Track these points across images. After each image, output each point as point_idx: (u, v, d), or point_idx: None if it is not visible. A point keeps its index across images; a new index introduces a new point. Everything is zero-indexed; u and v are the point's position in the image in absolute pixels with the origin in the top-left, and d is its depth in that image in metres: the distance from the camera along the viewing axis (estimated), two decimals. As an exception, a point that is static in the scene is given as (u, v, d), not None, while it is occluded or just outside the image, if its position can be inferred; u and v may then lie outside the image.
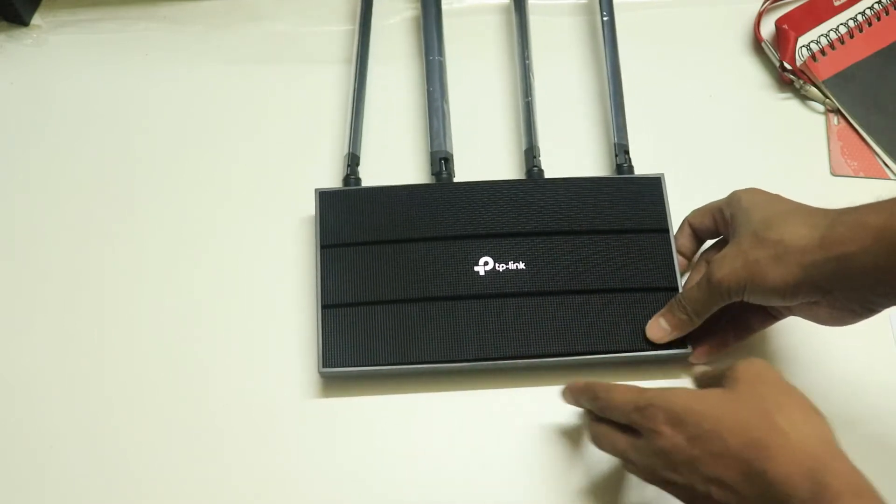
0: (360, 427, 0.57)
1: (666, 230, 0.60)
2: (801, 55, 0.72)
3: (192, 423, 0.57)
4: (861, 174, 0.67)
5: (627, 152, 0.65)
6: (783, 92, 0.71)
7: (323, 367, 0.56)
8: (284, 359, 0.59)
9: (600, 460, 0.55)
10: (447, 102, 0.67)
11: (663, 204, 0.61)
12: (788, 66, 0.70)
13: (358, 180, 0.64)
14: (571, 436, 0.57)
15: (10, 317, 0.61)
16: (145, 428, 0.57)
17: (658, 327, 0.57)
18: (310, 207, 0.61)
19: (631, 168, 0.64)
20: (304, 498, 0.55)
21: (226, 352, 0.59)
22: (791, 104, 0.71)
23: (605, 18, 0.71)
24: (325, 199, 0.61)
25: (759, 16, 0.73)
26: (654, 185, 0.62)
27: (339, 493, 0.55)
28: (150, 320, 0.61)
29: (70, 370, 0.59)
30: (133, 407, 0.58)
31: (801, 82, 0.70)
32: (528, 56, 0.69)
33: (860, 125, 0.69)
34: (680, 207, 0.62)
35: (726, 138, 0.69)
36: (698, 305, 0.55)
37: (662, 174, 0.62)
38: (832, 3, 0.74)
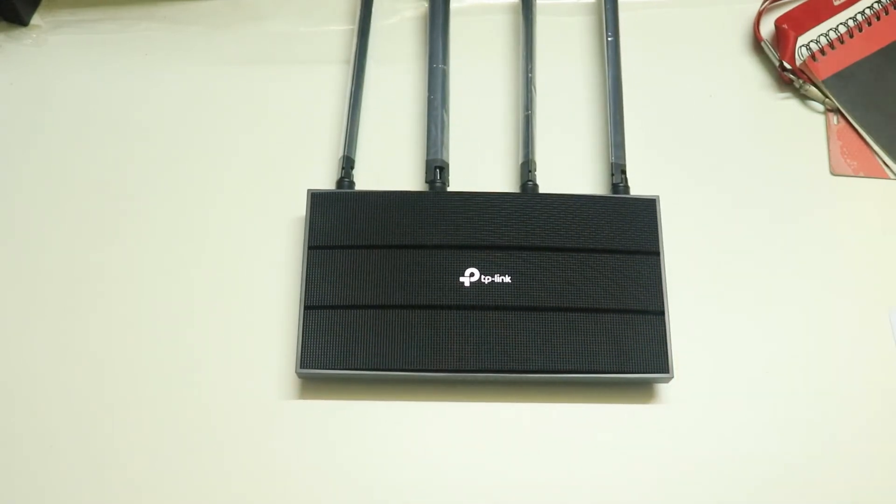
0: (335, 430, 0.59)
1: (657, 253, 0.62)
2: (801, 55, 0.74)
3: (166, 420, 0.59)
4: (861, 173, 0.69)
5: (624, 172, 0.67)
6: (783, 91, 0.73)
7: (301, 367, 0.58)
8: (264, 357, 0.61)
9: (573, 476, 0.58)
10: (447, 112, 0.70)
11: (656, 227, 0.63)
12: (788, 66, 0.72)
13: (352, 183, 0.66)
14: (545, 452, 0.58)
15: (7, 314, 0.63)
16: (120, 425, 0.59)
17: None
18: (302, 208, 0.63)
19: (626, 188, 0.66)
20: (275, 498, 0.56)
21: (206, 348, 0.61)
22: (791, 104, 0.73)
23: (609, 39, 0.73)
24: (317, 200, 0.63)
25: (759, 15, 0.76)
26: (648, 207, 0.63)
27: (311, 495, 0.57)
28: (138, 316, 0.63)
29: (58, 368, 0.61)
30: (106, 404, 0.59)
31: (801, 82, 0.72)
32: (531, 69, 0.71)
33: (860, 125, 0.71)
34: (676, 211, 0.63)
35: (726, 137, 0.71)
36: None
37: (657, 196, 0.64)
38: (832, 2, 0.76)
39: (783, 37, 0.73)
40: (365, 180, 0.67)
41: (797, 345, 0.63)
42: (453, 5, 0.75)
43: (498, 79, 0.73)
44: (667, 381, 0.59)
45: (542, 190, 0.66)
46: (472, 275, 0.60)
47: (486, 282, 0.60)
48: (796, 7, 0.76)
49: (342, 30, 0.75)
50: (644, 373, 0.59)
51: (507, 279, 0.60)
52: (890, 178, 0.69)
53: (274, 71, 0.73)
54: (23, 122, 0.71)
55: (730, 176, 0.69)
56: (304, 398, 0.59)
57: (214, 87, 0.72)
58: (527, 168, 0.66)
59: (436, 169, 0.66)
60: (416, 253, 0.61)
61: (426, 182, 0.66)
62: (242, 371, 0.61)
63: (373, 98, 0.72)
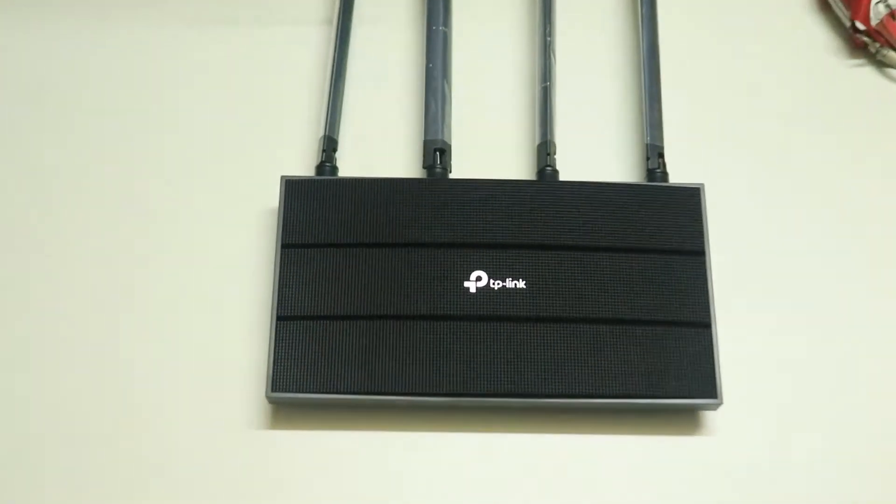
0: (314, 467, 0.57)
1: (702, 252, 0.60)
2: (878, 13, 0.71)
3: (115, 454, 0.57)
4: (955, 159, 0.67)
5: (662, 155, 0.65)
6: (855, 58, 0.72)
7: (272, 391, 0.56)
8: (228, 378, 0.59)
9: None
10: (449, 82, 0.68)
11: (701, 220, 0.61)
12: (861, 27, 0.70)
13: (334, 169, 0.64)
14: (567, 492, 0.56)
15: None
16: (60, 462, 0.57)
17: None
18: (273, 198, 0.61)
19: (665, 175, 0.64)
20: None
21: (160, 367, 0.60)
22: (865, 72, 0.71)
23: (644, -7, 0.71)
24: (293, 189, 0.61)
25: None
26: (690, 197, 0.61)
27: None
28: (75, 330, 0.61)
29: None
30: (53, 434, 0.58)
31: (878, 45, 0.71)
32: (550, 32, 0.70)
33: (954, 97, 0.69)
34: (725, 202, 0.62)
35: (785, 114, 0.69)
36: None
37: (702, 185, 0.62)
38: (915, -53, 0.74)
39: (856, -10, 0.71)
40: (350, 165, 0.66)
41: (873, 365, 0.61)
42: (459, -40, 0.73)
43: (510, 43, 0.72)
44: (714, 407, 0.57)
45: (563, 177, 0.64)
46: (479, 279, 0.59)
47: (497, 287, 0.59)
48: (871, -46, 0.74)
49: (324, -17, 0.74)
50: (687, 398, 0.57)
51: (522, 284, 0.59)
52: None
53: (241, 33, 0.72)
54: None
55: (790, 161, 0.68)
56: (276, 427, 0.58)
57: (168, 53, 0.71)
58: (545, 151, 0.65)
59: (435, 152, 0.64)
60: (411, 252, 0.59)
61: (424, 167, 0.65)
62: (203, 395, 0.59)
63: (360, 66, 0.70)
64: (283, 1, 0.74)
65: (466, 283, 0.58)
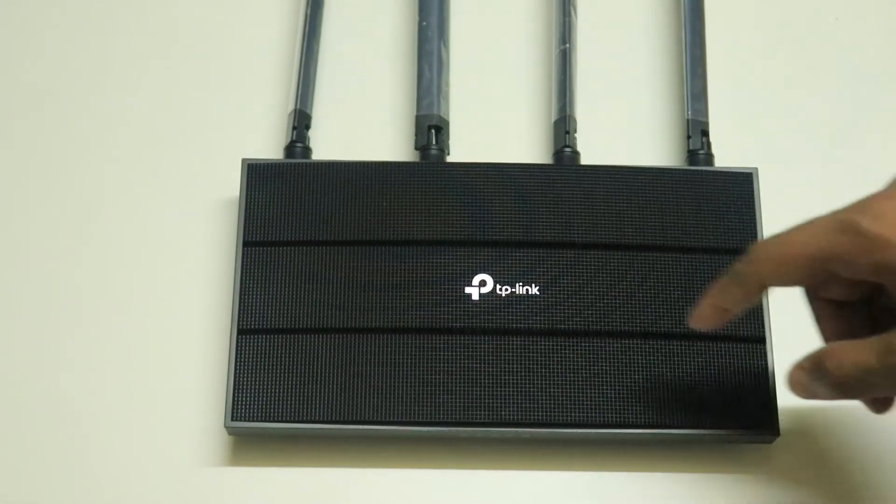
0: None
1: None
2: None
3: (51, 497, 0.58)
4: None
5: (706, 134, 0.64)
6: None
7: (232, 419, 0.56)
8: (180, 406, 0.59)
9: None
10: (447, 46, 0.68)
11: (753, 214, 0.61)
12: None
13: (307, 150, 0.64)
14: None
15: None
16: None
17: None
18: (233, 186, 0.62)
19: (710, 157, 0.64)
20: None
21: (96, 393, 0.60)
22: None
23: (684, -65, 0.70)
24: (256, 174, 0.61)
25: None
26: (741, 185, 0.62)
27: None
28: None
29: None
30: None
31: None
32: None
33: None
34: (782, 190, 0.62)
35: (858, 83, 0.69)
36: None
37: (755, 169, 0.62)
38: None
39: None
40: (326, 146, 0.66)
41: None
42: None
43: (521, -1, 0.71)
44: (769, 440, 0.57)
45: (584, 160, 0.64)
46: (483, 283, 0.59)
47: (504, 294, 0.59)
48: None
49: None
50: (736, 428, 0.57)
51: (535, 290, 0.59)
52: None
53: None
54: None
55: (862, 141, 0.67)
56: (236, 464, 0.58)
57: (109, 7, 0.71)
58: (563, 128, 0.65)
59: (430, 129, 0.65)
60: (401, 252, 0.60)
61: (416, 148, 0.65)
62: (149, 425, 0.59)
63: (337, 25, 0.70)
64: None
65: (468, 289, 0.59)
